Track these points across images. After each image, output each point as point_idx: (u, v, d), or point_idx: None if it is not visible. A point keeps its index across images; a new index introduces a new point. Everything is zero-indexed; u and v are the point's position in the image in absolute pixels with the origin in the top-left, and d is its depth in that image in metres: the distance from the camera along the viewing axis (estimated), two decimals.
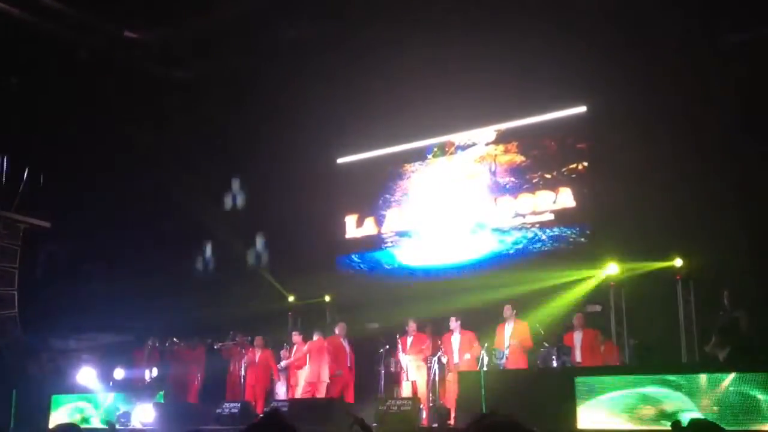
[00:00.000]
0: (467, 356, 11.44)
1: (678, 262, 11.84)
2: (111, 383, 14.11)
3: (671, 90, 12.13)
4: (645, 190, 12.16)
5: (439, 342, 12.00)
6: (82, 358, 14.81)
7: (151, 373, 14.26)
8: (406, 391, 11.74)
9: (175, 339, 14.31)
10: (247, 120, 15.39)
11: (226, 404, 11.81)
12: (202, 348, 14.15)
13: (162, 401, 12.51)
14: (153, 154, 15.49)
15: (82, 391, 13.64)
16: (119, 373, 14.34)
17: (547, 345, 11.29)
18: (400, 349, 12.08)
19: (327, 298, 15.18)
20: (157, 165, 15.61)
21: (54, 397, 13.60)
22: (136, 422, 12.21)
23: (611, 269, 12.40)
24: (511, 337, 11.28)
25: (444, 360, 11.72)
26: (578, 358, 11.03)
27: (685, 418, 6.13)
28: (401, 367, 12.04)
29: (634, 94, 12.48)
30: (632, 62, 12.40)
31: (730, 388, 8.01)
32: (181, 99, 14.99)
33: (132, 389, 13.58)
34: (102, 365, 14.53)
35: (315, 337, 12.87)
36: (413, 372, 11.89)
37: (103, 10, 13.38)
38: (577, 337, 11.24)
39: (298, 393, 12.57)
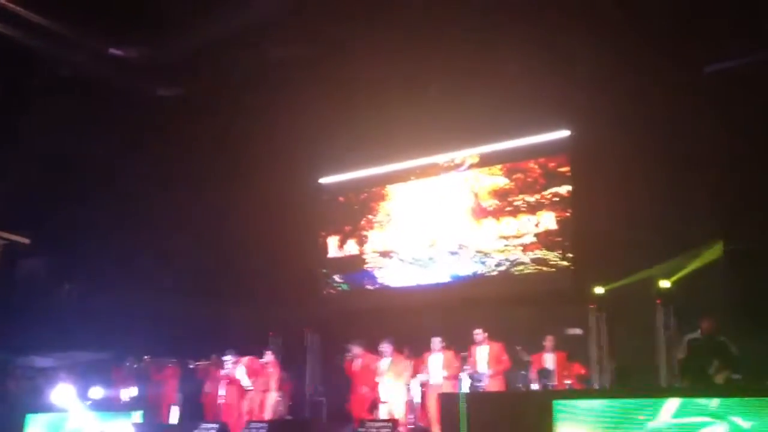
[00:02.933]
0: (445, 373, 11.40)
1: (665, 284, 11.89)
2: (88, 402, 13.94)
3: (654, 114, 12.26)
4: (627, 213, 12.24)
5: (420, 362, 11.94)
6: (59, 376, 14.61)
7: (129, 392, 14.12)
8: (384, 413, 11.65)
9: (145, 357, 14.16)
10: (229, 139, 15.37)
11: (204, 425, 11.68)
12: (174, 369, 14.01)
13: (141, 421, 12.38)
14: (134, 171, 15.43)
15: (58, 410, 13.45)
16: (96, 392, 14.17)
17: (522, 372, 11.31)
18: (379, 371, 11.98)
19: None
20: (139, 183, 15.55)
21: (28, 416, 13.40)
22: None
23: (593, 292, 12.42)
24: (488, 360, 11.27)
25: (424, 379, 11.67)
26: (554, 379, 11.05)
27: None
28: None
29: (618, 118, 12.59)
30: (616, 87, 12.52)
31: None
32: (165, 117, 14.96)
33: (109, 409, 13.42)
34: (79, 384, 14.36)
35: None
36: (392, 394, 11.82)
37: (87, 26, 13.36)
38: (549, 359, 11.25)
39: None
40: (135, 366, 14.27)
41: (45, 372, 15.68)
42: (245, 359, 12.92)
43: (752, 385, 8.93)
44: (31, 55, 13.69)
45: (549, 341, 11.53)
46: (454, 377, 11.36)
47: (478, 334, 11.49)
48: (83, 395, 13.93)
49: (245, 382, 12.78)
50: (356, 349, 12.29)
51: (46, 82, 14.25)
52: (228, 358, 12.92)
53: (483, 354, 11.39)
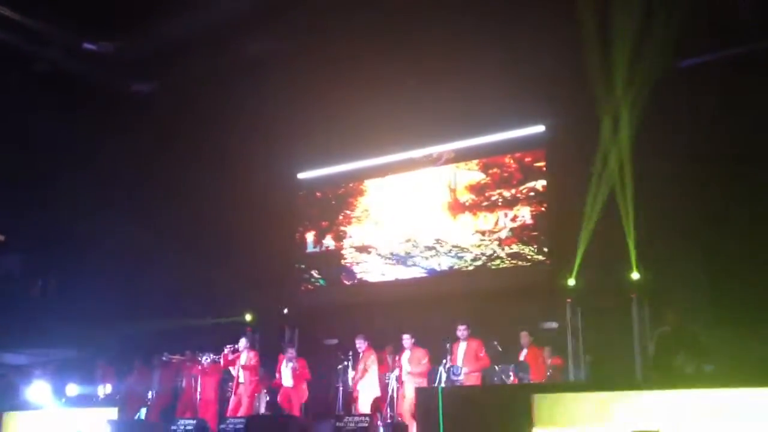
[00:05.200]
0: (414, 369, 11.42)
1: (635, 275, 12.03)
2: (64, 399, 13.85)
3: (629, 109, 12.35)
4: (602, 208, 12.34)
5: (396, 358, 11.97)
6: (34, 374, 14.51)
7: (104, 389, 14.05)
8: (364, 408, 11.69)
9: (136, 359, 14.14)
10: (206, 134, 15.31)
11: (181, 421, 11.65)
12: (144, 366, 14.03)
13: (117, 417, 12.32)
14: (110, 167, 15.32)
15: (34, 408, 13.35)
16: (72, 389, 14.09)
17: (497, 367, 11.37)
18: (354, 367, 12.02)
19: (285, 311, 15.15)
20: (115, 178, 15.46)
21: (6, 414, 13.28)
22: None
23: (568, 286, 12.54)
24: (465, 357, 11.26)
25: (396, 375, 11.73)
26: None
27: None
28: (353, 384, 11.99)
29: (592, 113, 12.67)
30: (590, 82, 12.59)
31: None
32: (140, 112, 14.87)
33: (85, 406, 13.35)
34: (55, 381, 14.26)
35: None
36: (373, 389, 11.88)
37: (60, 21, 13.24)
38: (522, 355, 11.31)
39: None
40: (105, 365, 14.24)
41: (20, 369, 15.56)
42: (252, 353, 12.80)
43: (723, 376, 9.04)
44: (3, 50, 13.54)
45: (524, 337, 11.55)
46: (422, 374, 11.39)
47: (461, 330, 11.47)
48: (59, 392, 13.86)
49: (241, 375, 12.67)
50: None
51: (19, 77, 14.10)
52: (242, 342, 12.74)
53: (461, 350, 11.39)
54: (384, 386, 11.95)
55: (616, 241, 12.00)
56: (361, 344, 12.04)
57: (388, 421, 11.45)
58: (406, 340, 11.68)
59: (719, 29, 11.54)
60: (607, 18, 11.98)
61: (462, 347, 11.37)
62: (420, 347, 11.65)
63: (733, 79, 11.50)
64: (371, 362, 11.98)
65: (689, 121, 11.89)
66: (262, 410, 13.10)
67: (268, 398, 13.50)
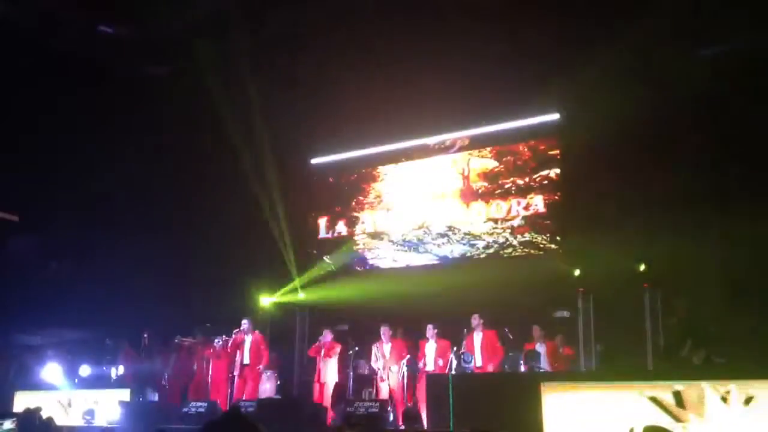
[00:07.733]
0: (440, 362, 11.49)
1: (642, 267, 12.00)
2: (76, 380, 13.97)
3: (644, 98, 12.27)
4: (615, 197, 12.29)
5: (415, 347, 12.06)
6: (47, 355, 14.63)
7: (117, 370, 14.16)
8: (383, 393, 11.77)
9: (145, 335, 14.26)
10: (220, 119, 15.30)
11: (193, 403, 11.75)
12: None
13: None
14: (125, 150, 15.35)
15: (47, 388, 13.47)
16: (85, 370, 14.21)
17: (510, 354, 11.42)
18: (381, 355, 12.07)
19: (301, 295, 15.23)
20: (130, 161, 15.48)
21: (17, 393, 13.43)
22: (101, 420, 12.12)
23: (580, 275, 12.52)
24: (483, 350, 11.33)
25: (419, 365, 11.79)
26: (546, 367, 11.16)
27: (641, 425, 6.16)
28: (379, 372, 12.05)
29: (607, 102, 12.60)
30: (606, 70, 12.52)
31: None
32: (153, 96, 14.87)
33: (98, 386, 13.46)
34: (68, 362, 14.38)
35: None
36: (392, 376, 11.95)
37: (76, 3, 13.25)
38: (541, 348, 11.33)
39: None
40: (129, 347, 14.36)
41: (33, 350, 15.68)
42: (257, 333, 12.99)
43: (728, 367, 9.02)
44: (20, 32, 13.57)
45: (536, 331, 11.58)
46: (444, 366, 11.46)
47: (475, 319, 11.54)
48: (72, 373, 13.98)
49: (246, 355, 12.77)
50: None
51: (35, 58, 14.12)
52: (245, 323, 12.93)
53: (477, 341, 11.45)
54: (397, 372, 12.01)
55: (629, 230, 11.96)
56: (386, 332, 12.12)
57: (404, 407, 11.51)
58: (430, 330, 11.76)
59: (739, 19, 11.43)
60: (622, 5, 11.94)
61: (478, 339, 11.44)
62: (443, 338, 11.73)
63: (751, 68, 11.40)
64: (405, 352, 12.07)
65: (705, 109, 11.80)
66: (273, 393, 13.17)
67: (279, 381, 13.58)
